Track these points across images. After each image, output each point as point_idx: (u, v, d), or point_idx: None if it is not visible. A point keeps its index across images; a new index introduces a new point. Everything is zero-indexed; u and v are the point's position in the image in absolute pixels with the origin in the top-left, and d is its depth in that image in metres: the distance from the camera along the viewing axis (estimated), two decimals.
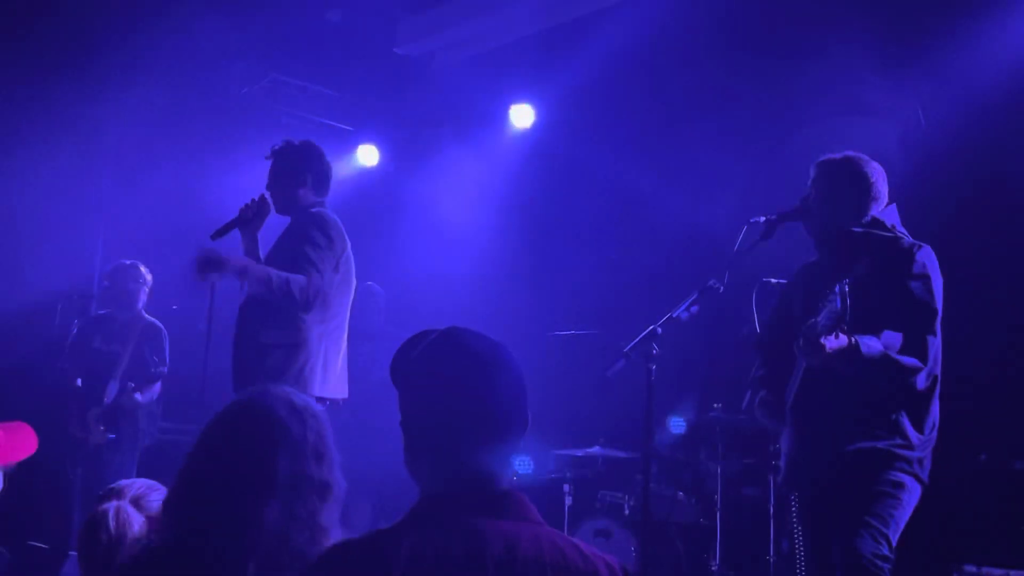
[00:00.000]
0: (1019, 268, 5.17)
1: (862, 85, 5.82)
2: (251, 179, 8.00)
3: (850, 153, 3.67)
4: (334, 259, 4.38)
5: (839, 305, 3.05)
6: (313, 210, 4.52)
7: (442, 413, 1.72)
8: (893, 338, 3.30)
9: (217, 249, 4.29)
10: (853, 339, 3.17)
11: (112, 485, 2.43)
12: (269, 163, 4.71)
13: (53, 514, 5.75)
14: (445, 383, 1.74)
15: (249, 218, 4.57)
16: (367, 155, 8.42)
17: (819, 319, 3.15)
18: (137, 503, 2.37)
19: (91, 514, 2.34)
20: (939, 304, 3.43)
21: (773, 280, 4.39)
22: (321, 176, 4.63)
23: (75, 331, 6.10)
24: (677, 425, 5.71)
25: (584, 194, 7.42)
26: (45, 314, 6.31)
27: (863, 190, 3.61)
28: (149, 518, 2.34)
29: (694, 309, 3.22)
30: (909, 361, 3.32)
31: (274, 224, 4.73)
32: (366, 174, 8.49)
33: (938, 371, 3.44)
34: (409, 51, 7.82)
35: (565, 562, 1.61)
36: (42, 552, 5.20)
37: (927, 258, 3.48)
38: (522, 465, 6.22)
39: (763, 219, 3.45)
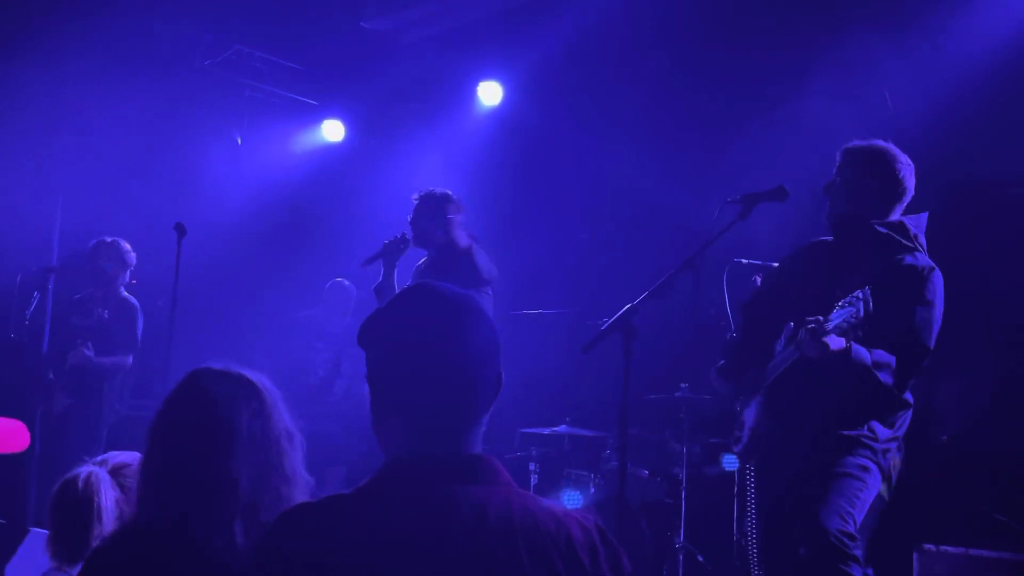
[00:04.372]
0: (982, 252, 5.24)
1: (831, 68, 5.83)
2: (213, 151, 7.97)
3: (881, 143, 3.62)
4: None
5: (862, 312, 3.08)
6: (463, 245, 5.29)
7: (409, 365, 1.62)
8: (884, 358, 3.32)
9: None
10: (849, 343, 3.21)
11: (98, 457, 2.42)
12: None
13: (10, 489, 5.66)
14: (412, 332, 1.64)
15: (391, 252, 5.30)
16: (332, 130, 8.34)
17: (831, 317, 3.16)
18: (117, 473, 2.35)
19: (65, 478, 2.33)
20: (934, 337, 3.43)
21: (744, 260, 4.41)
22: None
23: (35, 306, 5.98)
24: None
25: (552, 173, 7.40)
26: (3, 288, 6.17)
27: (889, 184, 3.57)
28: (125, 491, 2.31)
29: (672, 288, 3.22)
30: (887, 380, 3.35)
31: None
32: (331, 149, 8.41)
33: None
34: (376, 25, 7.71)
35: (536, 527, 1.54)
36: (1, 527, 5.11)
37: (938, 285, 3.47)
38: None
39: (739, 199, 3.44)
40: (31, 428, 5.75)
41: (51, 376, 5.83)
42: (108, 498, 2.31)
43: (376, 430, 1.68)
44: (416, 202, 5.39)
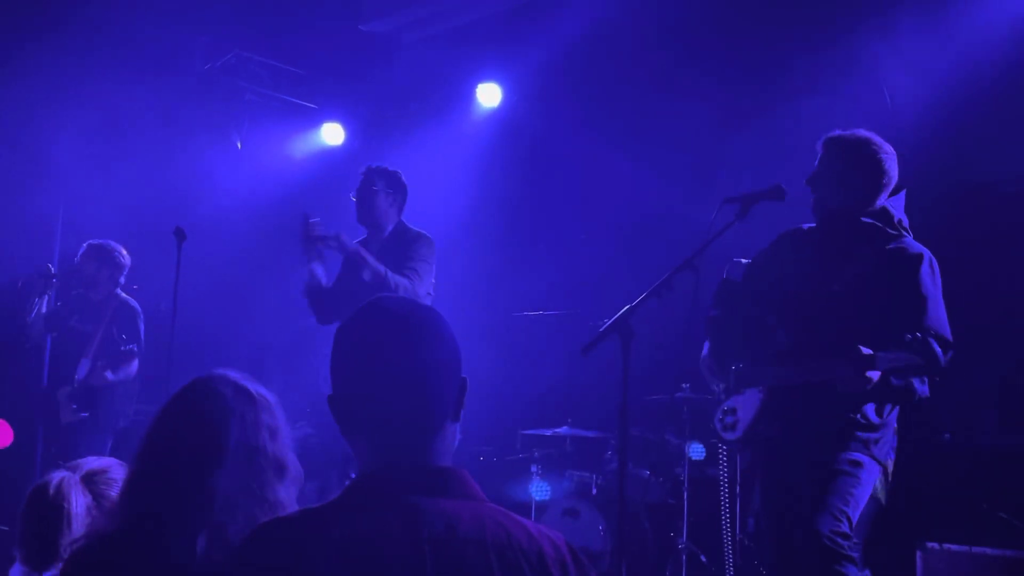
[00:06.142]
0: (981, 252, 5.24)
1: (831, 68, 5.83)
2: (213, 155, 7.98)
3: (863, 133, 3.60)
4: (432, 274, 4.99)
5: (916, 360, 3.09)
6: (415, 229, 5.11)
7: (370, 382, 1.63)
8: (910, 360, 3.25)
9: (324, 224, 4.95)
10: (882, 372, 3.19)
11: (72, 462, 2.39)
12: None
13: (14, 497, 5.66)
14: (365, 351, 1.64)
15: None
16: (332, 134, 8.34)
17: (878, 356, 3.11)
18: (90, 479, 2.31)
19: (36, 483, 2.30)
20: (949, 327, 3.41)
21: (744, 260, 4.40)
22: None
23: (36, 311, 5.97)
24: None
25: (551, 174, 7.40)
26: (4, 293, 6.17)
27: (875, 176, 3.55)
28: (98, 498, 2.29)
29: (671, 288, 3.21)
30: (921, 389, 3.34)
31: None
32: (331, 153, 8.41)
33: None
34: (374, 28, 7.74)
35: (509, 541, 1.55)
36: (3, 534, 5.12)
37: (935, 271, 3.45)
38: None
39: (737, 198, 3.43)
40: (32, 432, 5.76)
41: (57, 385, 5.80)
42: (79, 504, 2.27)
43: (348, 442, 1.69)
44: (365, 176, 5.15)
